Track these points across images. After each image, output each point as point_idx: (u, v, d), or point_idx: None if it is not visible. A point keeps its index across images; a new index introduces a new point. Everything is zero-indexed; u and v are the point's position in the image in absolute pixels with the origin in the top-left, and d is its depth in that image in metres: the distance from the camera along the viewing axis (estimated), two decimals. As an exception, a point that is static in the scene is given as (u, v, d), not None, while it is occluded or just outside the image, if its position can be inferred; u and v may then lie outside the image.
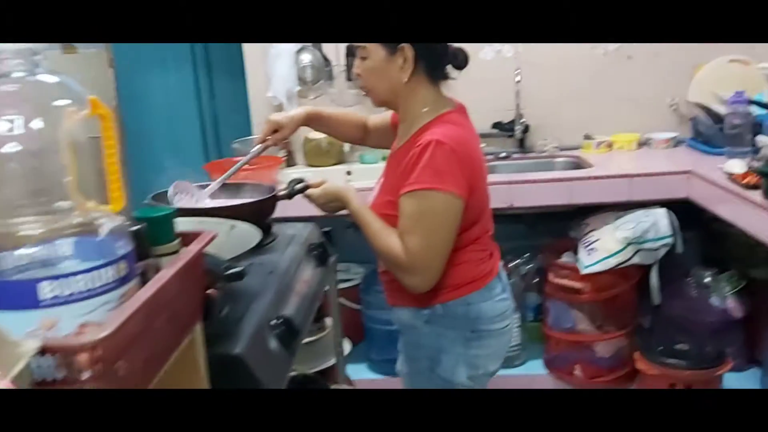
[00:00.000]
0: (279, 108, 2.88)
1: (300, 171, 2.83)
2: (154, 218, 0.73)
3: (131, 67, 3.60)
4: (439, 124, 1.44)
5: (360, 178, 2.71)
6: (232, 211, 1.45)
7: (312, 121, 1.71)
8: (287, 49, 2.79)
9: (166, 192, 1.55)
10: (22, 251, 0.59)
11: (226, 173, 1.68)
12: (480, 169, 1.48)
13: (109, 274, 0.61)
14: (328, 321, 1.97)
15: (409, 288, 1.46)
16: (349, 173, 2.80)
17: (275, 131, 1.65)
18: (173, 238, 0.76)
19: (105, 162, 0.61)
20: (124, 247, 0.64)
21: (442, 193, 1.38)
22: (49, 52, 1.69)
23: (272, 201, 1.54)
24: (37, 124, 0.55)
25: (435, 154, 1.37)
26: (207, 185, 1.66)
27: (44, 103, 0.58)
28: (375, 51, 1.44)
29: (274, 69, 2.81)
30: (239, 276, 0.87)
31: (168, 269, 0.66)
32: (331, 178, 2.57)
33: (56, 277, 0.58)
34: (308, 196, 1.57)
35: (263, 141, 1.65)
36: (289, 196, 1.58)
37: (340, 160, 2.86)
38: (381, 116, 1.73)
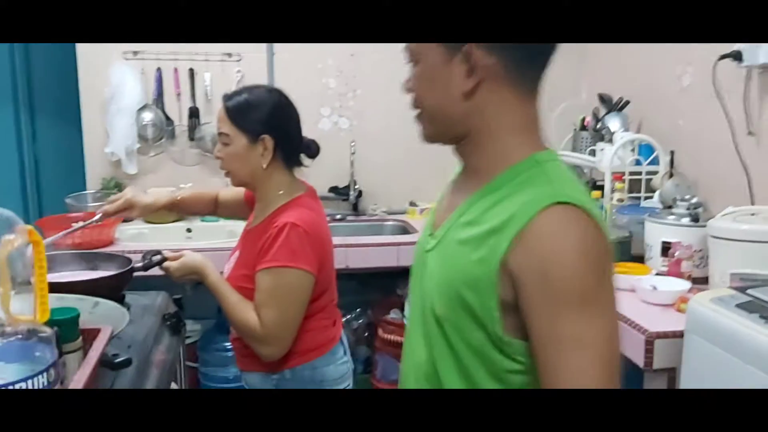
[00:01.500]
0: (117, 164, 2.86)
1: (138, 227, 2.82)
2: (64, 321, 0.81)
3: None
4: (294, 207, 1.60)
5: (201, 237, 2.77)
6: (90, 286, 1.48)
7: (169, 208, 1.82)
8: (128, 106, 2.79)
9: None
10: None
11: (60, 234, 1.71)
12: (328, 247, 1.66)
13: (41, 381, 0.68)
14: (173, 386, 2.01)
15: (262, 357, 1.58)
16: (189, 231, 2.84)
17: (125, 209, 1.71)
18: (78, 336, 0.83)
19: (35, 280, 0.69)
20: (52, 354, 0.72)
21: (296, 270, 1.53)
22: None
23: (129, 274, 1.59)
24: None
25: (290, 235, 1.53)
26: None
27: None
28: (237, 138, 1.58)
29: (113, 125, 2.79)
30: (127, 364, 0.95)
31: (84, 370, 0.75)
32: (172, 234, 2.60)
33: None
34: (165, 269, 1.63)
35: (112, 213, 1.70)
36: (146, 268, 1.63)
37: (181, 218, 2.89)
38: (233, 191, 1.84)
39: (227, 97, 1.62)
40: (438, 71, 0.88)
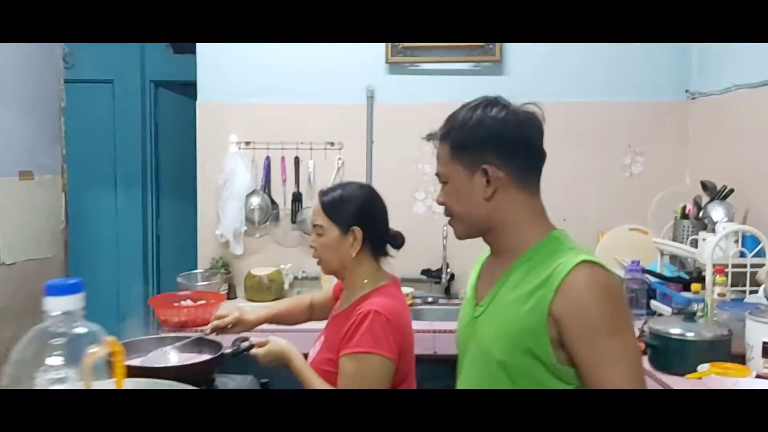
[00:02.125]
0: (225, 245, 3.08)
1: (240, 304, 2.99)
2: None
3: (83, 188, 3.74)
4: (378, 295, 1.67)
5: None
6: (181, 372, 1.57)
7: (270, 322, 1.99)
8: (238, 191, 3.03)
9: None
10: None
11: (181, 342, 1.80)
12: (409, 335, 1.71)
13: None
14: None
15: (342, 441, 1.63)
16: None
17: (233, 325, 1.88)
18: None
19: (116, 382, 0.81)
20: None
21: (377, 357, 1.59)
22: (5, 179, 1.94)
23: (219, 360, 1.69)
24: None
25: (373, 322, 1.59)
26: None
27: (80, 351, 0.79)
28: (330, 229, 1.69)
29: (225, 209, 3.02)
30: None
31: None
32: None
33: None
34: (253, 355, 1.73)
35: (217, 328, 1.86)
36: (234, 354, 1.72)
37: (279, 296, 3.03)
38: (324, 293, 2.00)
39: (323, 193, 1.75)
40: (465, 186, 1.19)
